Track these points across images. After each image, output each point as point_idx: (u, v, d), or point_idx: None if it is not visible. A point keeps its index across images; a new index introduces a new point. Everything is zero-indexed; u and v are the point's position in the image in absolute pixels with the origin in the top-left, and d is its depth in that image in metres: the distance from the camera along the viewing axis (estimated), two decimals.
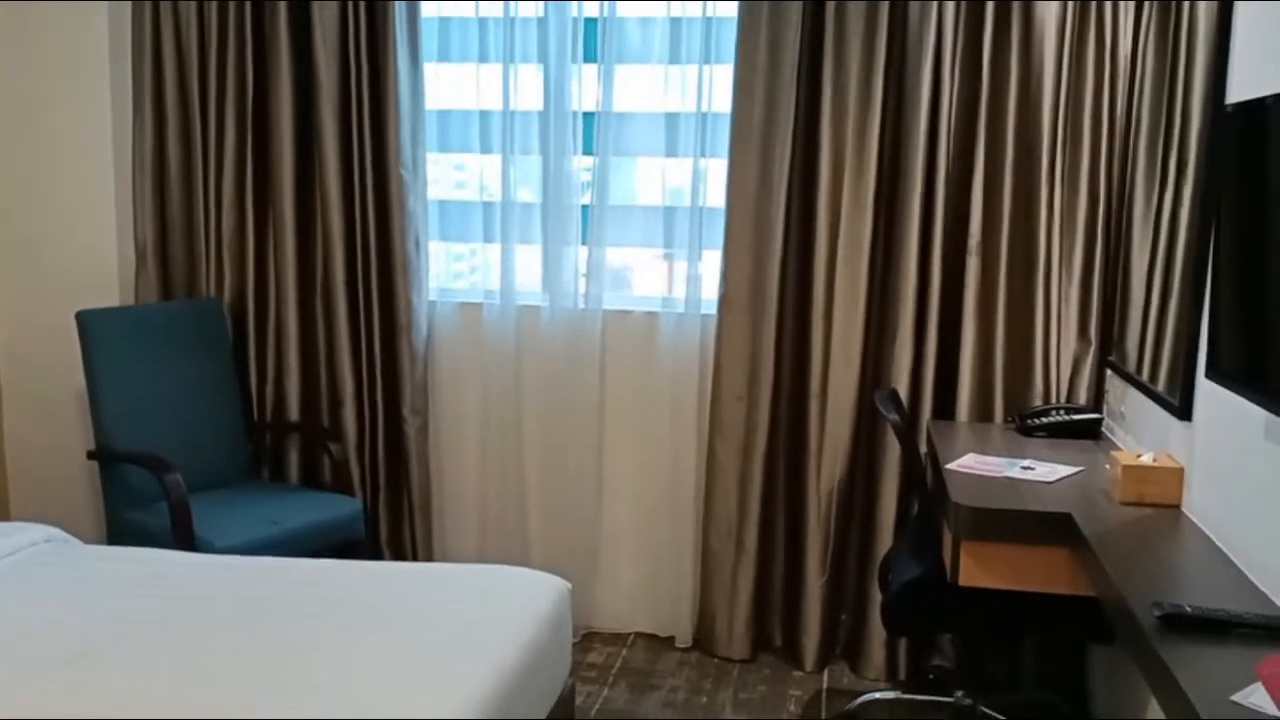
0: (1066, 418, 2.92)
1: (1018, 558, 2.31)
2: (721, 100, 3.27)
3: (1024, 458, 2.67)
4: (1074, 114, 3.01)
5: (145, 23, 3.46)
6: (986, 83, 3.03)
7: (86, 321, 3.18)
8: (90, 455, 3.19)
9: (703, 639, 3.44)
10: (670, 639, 3.50)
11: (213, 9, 3.41)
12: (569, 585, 2.49)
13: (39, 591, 2.34)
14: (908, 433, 2.64)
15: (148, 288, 3.55)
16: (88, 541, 2.89)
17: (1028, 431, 2.94)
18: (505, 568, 2.51)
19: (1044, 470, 2.55)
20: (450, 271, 3.63)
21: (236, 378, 3.50)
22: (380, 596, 2.33)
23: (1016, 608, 2.54)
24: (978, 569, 2.32)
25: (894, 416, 2.58)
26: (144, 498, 3.14)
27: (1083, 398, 3.08)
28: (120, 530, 3.16)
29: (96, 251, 3.52)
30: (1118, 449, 2.79)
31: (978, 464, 2.60)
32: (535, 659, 2.18)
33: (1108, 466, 2.57)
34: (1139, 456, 2.35)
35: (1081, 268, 3.05)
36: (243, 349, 3.56)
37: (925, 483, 2.74)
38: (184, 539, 2.90)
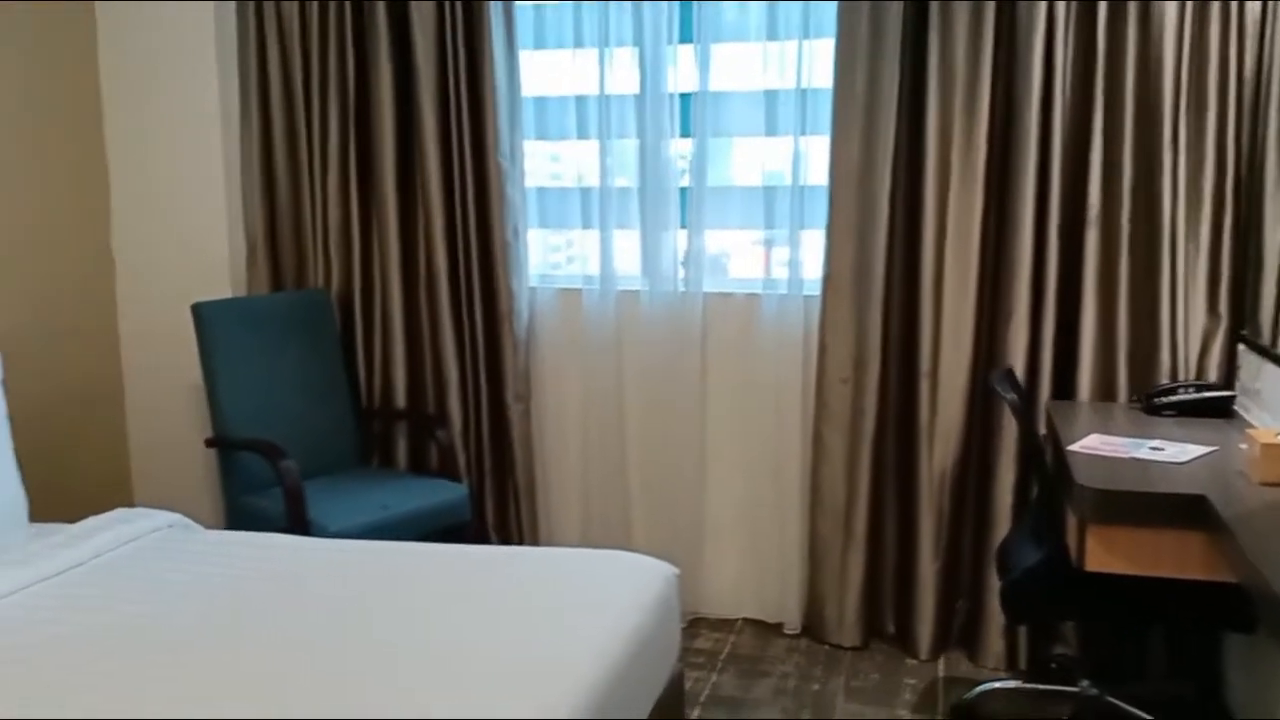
0: (1196, 396, 2.77)
1: (1148, 542, 2.19)
2: (822, 76, 3.18)
3: (1152, 438, 2.54)
4: (1198, 75, 2.84)
5: (250, 23, 3.54)
6: (1102, 45, 2.89)
7: (203, 313, 3.27)
8: (208, 443, 3.29)
9: (812, 625, 3.38)
10: (778, 625, 3.45)
11: (314, 8, 3.47)
12: (677, 570, 2.46)
13: (162, 575, 2.41)
14: (1025, 413, 2.53)
15: (258, 280, 3.64)
16: (207, 526, 2.98)
17: (1154, 411, 2.80)
18: (613, 552, 2.49)
19: (1174, 450, 2.42)
20: (548, 260, 3.63)
21: (345, 366, 3.57)
22: (488, 581, 2.34)
23: (1145, 594, 2.42)
24: (1105, 554, 2.22)
25: (1011, 396, 2.49)
26: (260, 483, 3.22)
27: (1212, 375, 2.92)
28: (238, 515, 3.24)
29: (209, 246, 3.62)
30: (1252, 427, 2.64)
31: (1102, 445, 2.49)
32: (643, 645, 2.16)
33: (1243, 446, 2.43)
34: (1278, 435, 2.21)
35: (1209, 238, 2.89)
36: (350, 338, 3.62)
37: (1045, 465, 2.63)
38: (298, 523, 2.96)
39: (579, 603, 2.21)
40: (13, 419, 2.85)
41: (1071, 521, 2.34)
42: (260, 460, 3.16)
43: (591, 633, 2.06)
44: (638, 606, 2.22)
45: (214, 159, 3.58)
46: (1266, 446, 2.17)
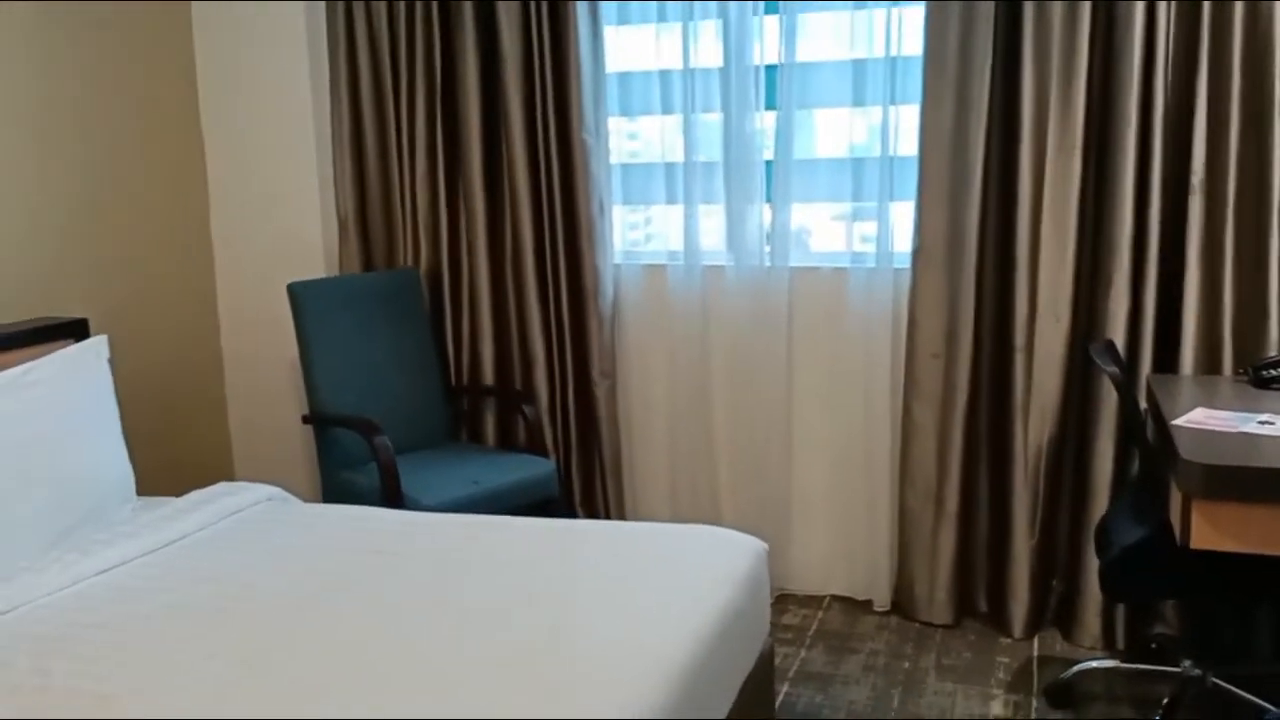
0: None
1: (1257, 518, 2.11)
2: (912, 43, 3.11)
3: (1260, 412, 2.44)
4: None
5: (339, 10, 3.60)
6: (1209, 1, 2.77)
7: (297, 292, 3.35)
8: (305, 420, 3.37)
9: (902, 603, 3.34)
10: (867, 602, 3.42)
11: None
12: (766, 545, 2.45)
13: (266, 545, 2.49)
14: (1127, 386, 2.46)
15: (350, 259, 3.71)
16: (305, 500, 3.06)
17: (1263, 384, 2.69)
18: (702, 527, 2.49)
19: None
20: (632, 237, 3.62)
21: (434, 344, 3.63)
22: (577, 555, 2.36)
23: (1252, 572, 2.34)
24: (1211, 531, 2.15)
25: (1112, 368, 2.41)
26: (355, 459, 3.30)
27: None
28: (334, 489, 3.33)
29: (302, 228, 3.70)
30: None
31: (1208, 419, 2.40)
32: (733, 621, 2.16)
33: None
34: None
35: None
36: (439, 316, 3.68)
37: (1147, 440, 2.55)
38: (393, 497, 3.02)
39: (668, 577, 2.22)
40: (120, 398, 2.96)
41: (1175, 498, 2.26)
42: (354, 436, 3.24)
43: (681, 608, 2.07)
44: (728, 581, 2.22)
45: (306, 145, 3.66)
46: None
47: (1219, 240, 2.86)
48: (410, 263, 3.68)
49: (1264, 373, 2.70)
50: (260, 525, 2.63)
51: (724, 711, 2.11)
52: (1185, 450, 2.17)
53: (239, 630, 2.04)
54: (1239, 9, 2.74)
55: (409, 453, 3.42)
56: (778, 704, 2.81)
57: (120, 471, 2.74)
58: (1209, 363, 2.91)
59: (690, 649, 1.95)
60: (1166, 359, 2.96)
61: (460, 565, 2.32)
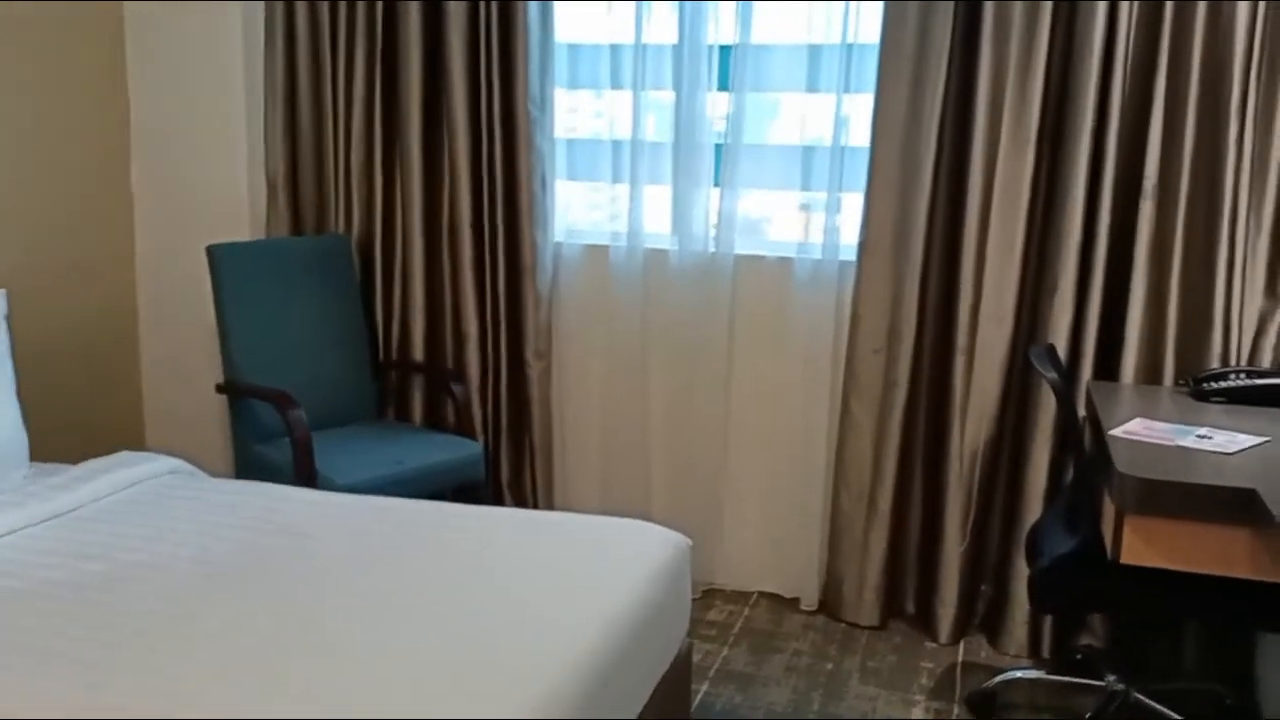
0: (1250, 382, 2.61)
1: (1189, 535, 2.06)
2: (869, 30, 3.03)
3: (1199, 425, 2.40)
4: (1273, 35, 2.66)
5: None
6: (1170, 2, 2.71)
7: (217, 255, 3.19)
8: (219, 389, 3.22)
9: (829, 602, 3.28)
10: (795, 600, 3.35)
11: None
12: (689, 541, 2.36)
13: (160, 522, 2.35)
14: (1066, 393, 2.39)
15: (278, 222, 3.55)
16: (215, 473, 2.92)
17: (1203, 396, 2.65)
18: (623, 520, 2.39)
19: (1222, 439, 2.28)
20: (575, 215, 3.50)
21: (363, 316, 3.48)
22: (495, 543, 2.26)
23: (1182, 589, 2.29)
24: (1143, 547, 2.09)
25: (1052, 374, 2.35)
26: (270, 433, 3.15)
27: (1267, 360, 2.76)
28: (247, 464, 3.18)
29: (229, 185, 3.53)
30: None
31: (1145, 430, 2.35)
32: (651, 617, 2.07)
33: None
34: None
35: (1273, 216, 2.72)
36: (369, 287, 3.53)
37: (1084, 449, 2.50)
38: (306, 475, 2.89)
39: (585, 570, 2.12)
40: (20, 357, 2.79)
41: (1108, 510, 2.21)
42: (272, 409, 3.09)
43: (596, 602, 1.97)
44: (646, 576, 2.12)
45: (236, 100, 3.49)
46: None
47: (1168, 247, 2.81)
48: (341, 229, 3.53)
49: (1204, 385, 2.66)
50: (160, 499, 2.49)
51: (636, 710, 2.03)
52: (1121, 462, 2.12)
53: (124, 614, 1.91)
54: (1201, 9, 2.68)
55: (330, 429, 3.28)
56: (695, 703, 2.73)
57: (10, 434, 2.58)
58: (1150, 372, 2.87)
59: (603, 644, 1.85)
60: (1108, 366, 2.91)
61: (369, 550, 2.20)
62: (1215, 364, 2.79)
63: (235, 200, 3.53)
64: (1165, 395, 2.72)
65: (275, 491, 2.58)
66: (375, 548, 2.21)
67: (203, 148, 3.53)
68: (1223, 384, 2.64)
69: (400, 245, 3.48)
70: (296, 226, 3.57)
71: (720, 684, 2.84)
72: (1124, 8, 2.73)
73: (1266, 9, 2.64)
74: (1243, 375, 2.65)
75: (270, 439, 3.15)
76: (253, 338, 3.22)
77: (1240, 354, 2.79)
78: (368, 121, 3.43)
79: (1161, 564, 2.09)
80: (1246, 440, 2.28)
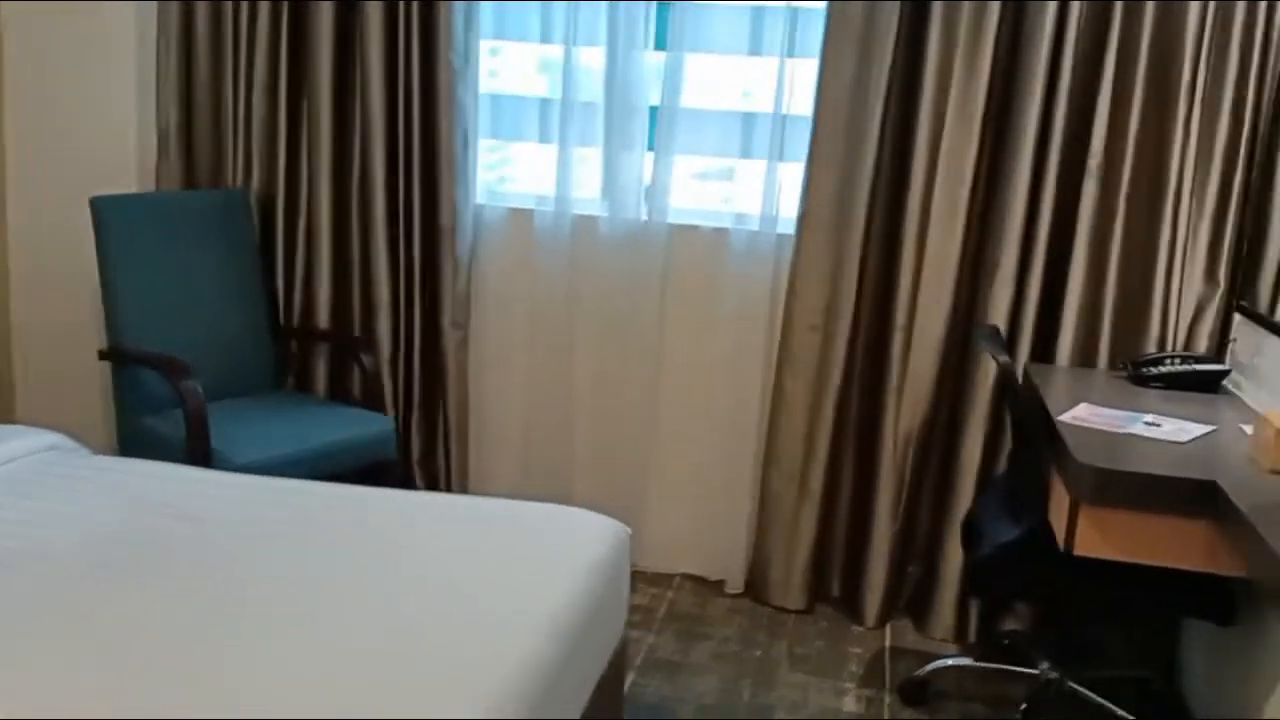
0: (1189, 368, 2.59)
1: (1146, 527, 2.01)
2: None
3: (1143, 411, 2.35)
4: (1224, 21, 2.62)
5: None
6: None
7: (101, 208, 2.90)
8: (102, 355, 2.93)
9: (755, 585, 3.18)
10: (720, 583, 3.25)
11: None
12: (629, 530, 2.21)
13: (37, 504, 2.09)
14: (1015, 379, 2.32)
15: (170, 175, 3.25)
16: (97, 448, 2.65)
17: (1142, 381, 2.61)
18: (560, 507, 2.23)
19: (1171, 428, 2.24)
20: (498, 175, 3.30)
21: (263, 278, 3.22)
22: (422, 532, 2.07)
23: (1126, 579, 2.25)
24: (1099, 538, 2.03)
25: (1005, 358, 2.27)
26: (159, 403, 2.89)
27: (1202, 346, 2.74)
28: (132, 438, 2.91)
29: (115, 134, 3.23)
30: (1244, 405, 2.48)
31: (1093, 416, 2.29)
32: (595, 612, 1.91)
33: (1244, 427, 2.26)
34: None
35: (1216, 199, 2.69)
36: (270, 247, 3.27)
37: (1030, 435, 2.43)
38: (200, 452, 2.65)
39: (520, 563, 1.95)
40: None
41: (1061, 499, 2.14)
42: (160, 378, 2.83)
43: (541, 598, 1.81)
44: (589, 569, 1.97)
45: (125, 42, 3.18)
46: None
47: (1108, 229, 2.77)
48: (240, 183, 3.25)
49: (1144, 370, 2.63)
50: (36, 479, 2.23)
51: (579, 711, 1.88)
52: (1078, 451, 2.05)
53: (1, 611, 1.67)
54: None
55: (225, 399, 3.03)
56: (625, 693, 2.60)
57: None
58: (1085, 355, 2.83)
59: (549, 645, 1.70)
60: (1043, 348, 2.87)
61: (273, 538, 1.99)
62: (1151, 348, 2.77)
63: (122, 150, 3.23)
64: (1103, 379, 2.68)
65: (167, 471, 2.33)
66: (278, 537, 2.00)
67: (86, 92, 3.21)
68: (1162, 369, 2.61)
69: (305, 202, 3.23)
70: (190, 179, 3.28)
71: (648, 673, 2.72)
72: None
73: None
74: (1178, 360, 2.63)
75: (159, 410, 2.89)
76: (140, 299, 2.94)
77: (1177, 339, 2.76)
78: (272, 67, 3.16)
79: (1116, 556, 2.04)
80: (1196, 429, 2.24)
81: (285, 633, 1.64)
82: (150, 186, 3.27)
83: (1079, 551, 2.05)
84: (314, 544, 1.98)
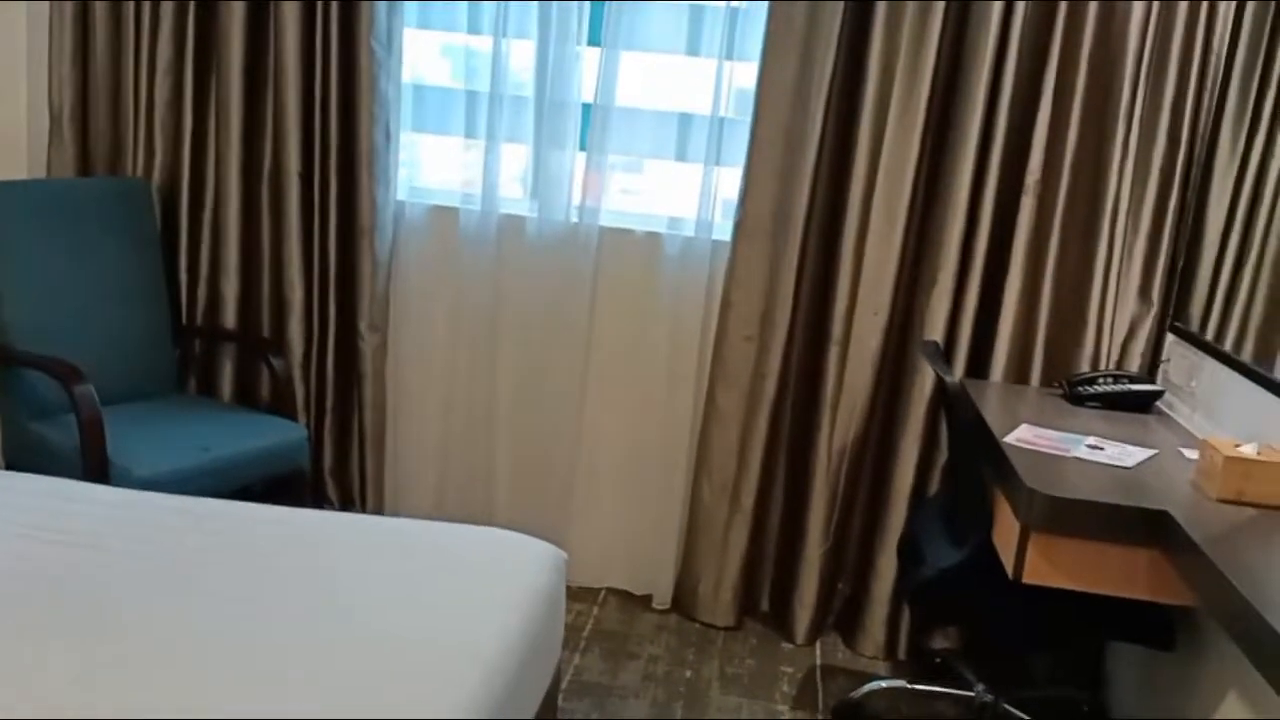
0: (1125, 388, 2.58)
1: (1093, 555, 1.97)
2: None
3: (1083, 433, 2.33)
4: (1162, 43, 2.61)
5: None
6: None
7: None
8: None
9: (682, 600, 3.10)
10: (646, 598, 3.15)
11: None
12: (565, 555, 2.10)
13: None
14: (964, 398, 2.28)
15: (62, 162, 3.01)
16: None
17: (1078, 400, 2.60)
18: (493, 531, 2.09)
19: (1114, 451, 2.22)
20: (420, 171, 3.14)
21: (164, 273, 3.01)
22: (341, 559, 1.92)
23: (1069, 605, 2.22)
24: (1047, 567, 1.99)
25: (952, 378, 2.22)
26: (50, 408, 2.66)
27: (1134, 365, 2.75)
28: (21, 445, 2.68)
29: (3, 116, 2.96)
30: (1180, 427, 2.48)
31: (1037, 439, 2.26)
32: (533, 648, 1.80)
33: (1183, 451, 2.26)
34: (1238, 446, 2.02)
35: (1151, 219, 2.70)
36: (173, 240, 3.05)
37: (971, 455, 2.39)
38: (96, 465, 2.44)
39: (454, 594, 1.82)
40: None
41: (1007, 524, 2.10)
42: (51, 383, 2.60)
43: (474, 634, 1.69)
44: (528, 602, 1.85)
45: (14, 16, 2.92)
46: (1230, 460, 1.97)
47: (1044, 246, 2.75)
48: (141, 171, 3.02)
49: (1079, 388, 2.61)
50: None
51: None
52: (1027, 477, 2.00)
53: None
54: (1093, 8, 2.61)
55: (123, 404, 2.81)
56: None
57: None
58: (1018, 371, 2.82)
59: (481, 688, 1.57)
60: (977, 364, 2.84)
61: (172, 568, 1.83)
62: (1084, 366, 2.76)
63: (10, 134, 2.98)
64: (1039, 397, 2.66)
65: (61, 489, 2.13)
66: (183, 569, 1.83)
67: None
68: (1097, 388, 2.60)
69: (212, 194, 3.02)
70: (85, 167, 3.04)
71: (576, 697, 2.60)
72: (1018, 5, 2.62)
73: (1159, 14, 2.59)
74: (1110, 380, 2.63)
75: (50, 415, 2.66)
76: (28, 295, 2.71)
77: (1109, 357, 2.76)
78: (177, 47, 2.95)
79: (1065, 584, 2.00)
80: (1138, 453, 2.22)
81: (185, 677, 1.49)
82: (40, 173, 3.02)
83: (1028, 580, 2.00)
84: (218, 574, 1.82)
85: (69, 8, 2.94)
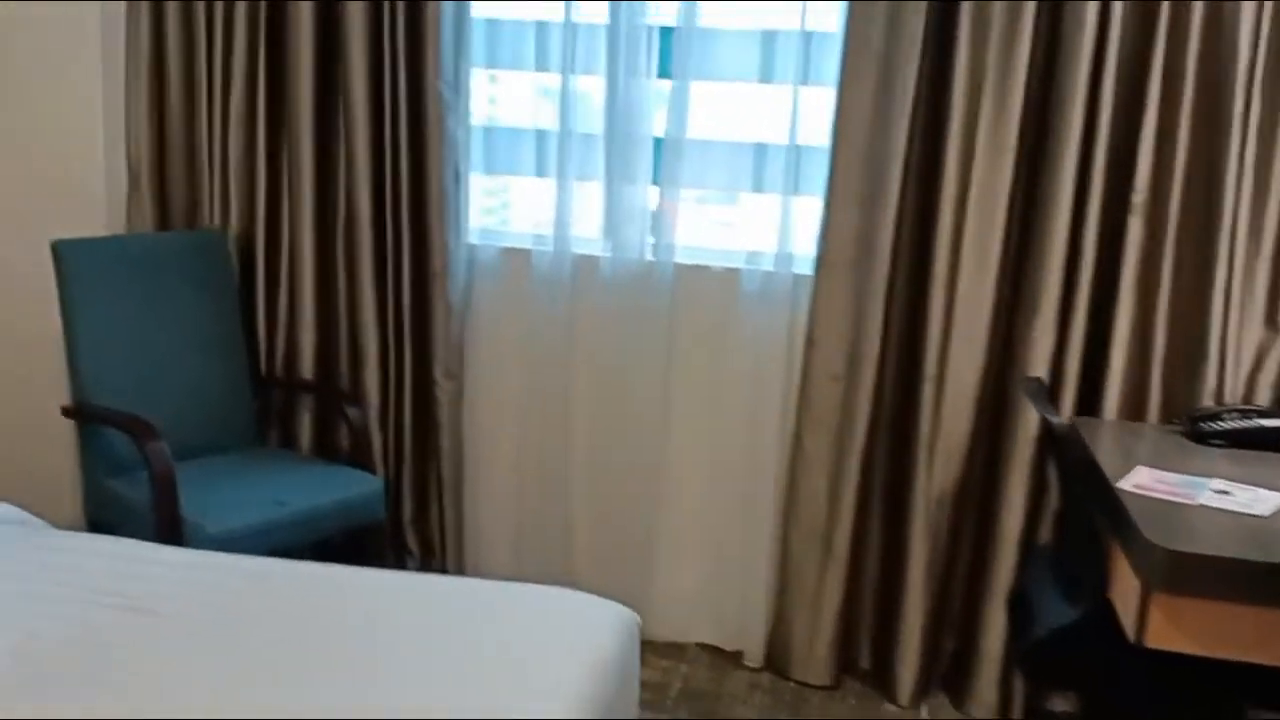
0: (1254, 423, 2.34)
1: (1227, 617, 1.76)
2: (831, 15, 2.68)
3: (1209, 475, 2.11)
4: (1276, 42, 2.39)
5: None
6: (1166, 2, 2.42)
7: (64, 253, 2.68)
8: (65, 413, 2.71)
9: (776, 657, 2.93)
10: (737, 654, 2.99)
11: None
12: (638, 619, 1.97)
13: None
14: (1073, 439, 2.08)
15: (140, 216, 3.04)
16: (63, 512, 2.42)
17: (1200, 438, 2.37)
18: (564, 593, 1.97)
19: (1245, 497, 1.99)
20: (490, 212, 3.07)
21: (242, 325, 3.00)
22: (403, 625, 1.83)
23: (1199, 668, 2.00)
24: (1173, 630, 1.78)
25: (1059, 420, 2.03)
26: (127, 464, 2.66)
27: (1264, 398, 2.51)
28: (100, 503, 2.68)
29: (81, 173, 3.01)
30: None
31: (1157, 484, 2.05)
32: (600, 714, 1.67)
33: None
34: None
35: (1275, 237, 2.47)
36: (250, 292, 3.05)
37: (1082, 501, 2.18)
38: (168, 522, 2.41)
39: (521, 665, 1.71)
40: None
41: (1126, 580, 1.90)
42: (127, 438, 2.59)
43: (542, 709, 1.57)
44: (594, 671, 1.72)
45: (91, 72, 2.97)
46: None
47: (1156, 270, 2.53)
48: (217, 223, 3.03)
49: (1202, 425, 2.38)
50: None
51: None
52: (1147, 529, 1.80)
53: None
54: (1199, 9, 2.40)
55: (202, 457, 2.80)
56: None
57: None
58: (1134, 408, 2.59)
59: None
60: (1088, 400, 2.62)
61: (239, 634, 1.76)
62: (1207, 400, 2.52)
63: (89, 189, 3.01)
64: (1157, 435, 2.44)
65: (125, 550, 2.10)
66: (252, 630, 1.77)
67: (48, 130, 3.00)
68: (1222, 425, 2.36)
69: (287, 244, 3.01)
70: (163, 221, 3.06)
71: None
72: (1115, 7, 2.43)
73: (1273, 9, 2.37)
74: (1237, 416, 2.39)
75: (125, 472, 2.66)
76: (107, 351, 2.72)
77: (1235, 390, 2.53)
78: (249, 99, 2.95)
79: (1193, 650, 1.79)
80: (1272, 498, 1.99)
81: None
82: (120, 228, 3.05)
83: (1151, 644, 1.80)
84: (286, 640, 1.74)
85: (143, 61, 2.98)
